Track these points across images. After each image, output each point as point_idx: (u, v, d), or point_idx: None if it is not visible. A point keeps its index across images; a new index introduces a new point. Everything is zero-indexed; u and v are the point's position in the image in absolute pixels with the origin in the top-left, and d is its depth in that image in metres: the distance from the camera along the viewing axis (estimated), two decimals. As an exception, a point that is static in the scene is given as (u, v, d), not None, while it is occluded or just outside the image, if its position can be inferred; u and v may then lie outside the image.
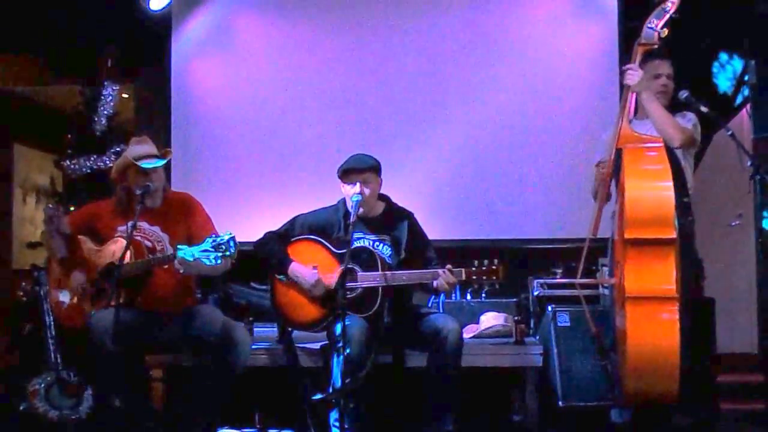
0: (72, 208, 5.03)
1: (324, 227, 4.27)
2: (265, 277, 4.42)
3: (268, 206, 5.67)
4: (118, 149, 5.61)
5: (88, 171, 5.80)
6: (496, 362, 4.51)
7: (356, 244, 4.14)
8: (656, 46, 3.98)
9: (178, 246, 3.78)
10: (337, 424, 3.88)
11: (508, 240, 5.75)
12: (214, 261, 3.72)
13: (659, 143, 3.89)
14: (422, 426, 4.05)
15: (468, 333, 4.76)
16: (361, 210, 4.13)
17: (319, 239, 4.24)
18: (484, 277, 4.04)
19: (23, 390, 4.49)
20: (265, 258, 4.27)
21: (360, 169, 4.17)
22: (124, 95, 6.34)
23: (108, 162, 5.68)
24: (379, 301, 4.07)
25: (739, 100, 6.47)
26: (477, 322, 4.93)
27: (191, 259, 3.73)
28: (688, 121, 4.20)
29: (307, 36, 6.04)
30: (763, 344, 5.41)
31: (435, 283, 4.04)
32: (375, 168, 4.20)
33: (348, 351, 3.77)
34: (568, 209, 5.61)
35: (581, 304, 4.15)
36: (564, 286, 4.90)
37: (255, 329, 4.69)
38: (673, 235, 3.69)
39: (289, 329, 4.35)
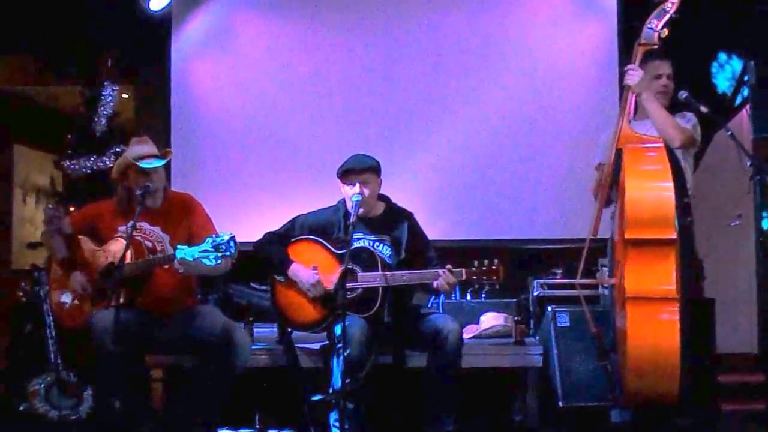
0: (72, 209, 5.02)
1: (324, 227, 4.27)
2: (265, 277, 4.42)
3: (268, 206, 5.67)
4: (118, 149, 5.61)
5: (88, 171, 5.80)
6: (496, 362, 4.51)
7: (356, 245, 4.14)
8: (656, 47, 3.98)
9: (178, 246, 3.78)
10: (337, 424, 3.88)
11: (508, 240, 5.75)
12: (214, 261, 3.72)
13: (659, 143, 3.89)
14: (422, 426, 4.05)
15: (468, 333, 4.76)
16: (361, 210, 4.14)
17: (319, 239, 4.24)
18: (484, 277, 4.04)
19: (23, 390, 4.50)
20: (265, 258, 4.27)
21: (360, 169, 4.17)
22: (124, 95, 6.34)
23: (108, 162, 5.68)
24: (379, 302, 4.07)
25: (738, 100, 6.47)
26: (477, 323, 4.93)
27: (191, 259, 3.73)
28: (688, 121, 4.20)
29: (307, 36, 6.04)
30: (763, 344, 5.41)
31: (435, 283, 4.04)
32: (375, 168, 4.20)
33: (348, 351, 3.77)
34: (568, 209, 5.61)
35: (581, 304, 4.15)
36: (564, 286, 4.90)
37: (255, 330, 4.68)
38: (674, 235, 3.69)
39: (289, 330, 4.35)
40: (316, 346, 4.31)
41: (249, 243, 4.27)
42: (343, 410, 3.79)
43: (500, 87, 5.89)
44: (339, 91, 5.98)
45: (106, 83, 5.93)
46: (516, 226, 5.83)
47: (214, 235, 3.75)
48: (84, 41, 6.02)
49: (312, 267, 4.17)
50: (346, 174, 4.18)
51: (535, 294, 5.03)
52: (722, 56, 6.62)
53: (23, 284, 5.49)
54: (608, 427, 4.33)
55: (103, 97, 5.92)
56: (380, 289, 4.07)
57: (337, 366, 3.89)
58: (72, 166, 5.85)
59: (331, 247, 4.20)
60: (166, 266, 3.95)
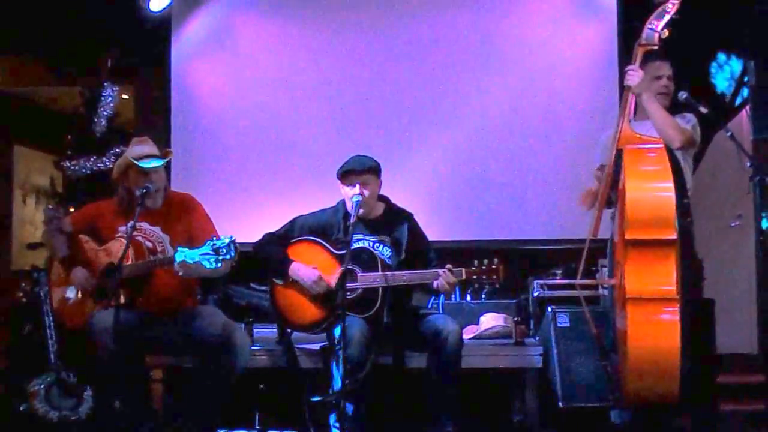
0: (72, 209, 5.02)
1: (324, 228, 4.27)
2: (265, 278, 4.42)
3: (268, 206, 5.68)
4: (118, 150, 5.60)
5: (88, 172, 5.80)
6: (496, 363, 4.51)
7: (356, 245, 4.14)
8: (657, 47, 3.98)
9: (179, 248, 3.78)
10: (337, 425, 3.88)
11: (508, 241, 5.76)
12: (214, 264, 3.72)
13: (659, 144, 3.89)
14: (422, 427, 4.05)
15: (468, 334, 4.77)
16: (361, 211, 4.13)
17: (319, 240, 4.24)
18: (484, 277, 4.03)
19: (23, 391, 4.49)
20: (265, 259, 4.26)
21: (360, 170, 4.16)
22: (124, 96, 6.34)
23: (108, 163, 5.68)
24: (379, 302, 4.07)
25: (738, 101, 6.47)
26: (477, 323, 4.93)
27: (191, 261, 3.73)
28: (688, 122, 4.20)
29: (307, 36, 6.04)
30: (763, 344, 5.41)
31: (435, 283, 4.04)
32: (375, 169, 4.20)
33: (348, 352, 3.77)
34: (568, 210, 5.57)
35: (581, 304, 4.15)
36: (564, 286, 4.90)
37: (255, 330, 4.68)
38: (674, 236, 3.68)
39: (289, 331, 4.35)
40: (316, 346, 4.31)
41: (249, 243, 4.27)
42: (342, 411, 3.80)
43: (500, 87, 5.89)
44: (339, 91, 5.98)
45: (106, 84, 5.93)
46: (516, 226, 5.83)
47: (214, 238, 3.75)
48: (84, 41, 6.02)
49: (312, 267, 4.17)
50: (346, 175, 4.18)
51: (535, 294, 5.02)
52: (721, 56, 6.63)
53: (23, 285, 5.49)
54: (608, 428, 4.32)
55: (103, 98, 5.92)
56: (380, 289, 4.07)
57: (336, 367, 3.89)
58: (72, 167, 5.85)
59: (330, 248, 4.20)
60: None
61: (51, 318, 4.51)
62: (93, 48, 6.08)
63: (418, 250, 4.25)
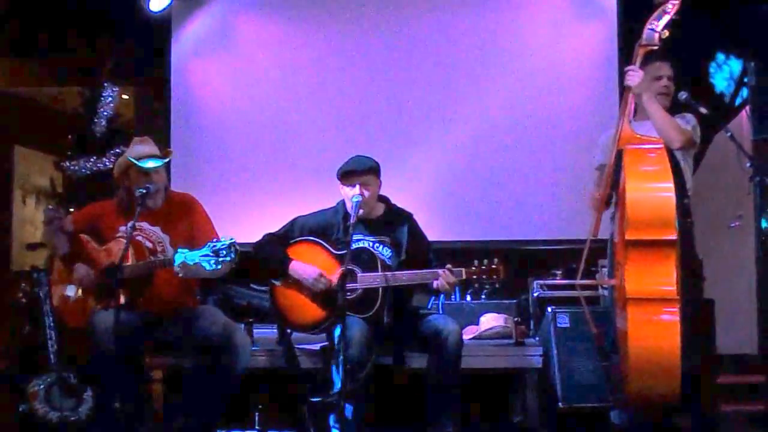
0: (72, 210, 5.02)
1: (324, 229, 4.27)
2: (265, 278, 4.41)
3: (268, 207, 5.68)
4: (118, 151, 5.60)
5: (88, 172, 5.81)
6: (496, 363, 4.51)
7: (356, 246, 4.13)
8: (657, 48, 3.98)
9: (179, 250, 3.78)
10: (337, 425, 3.88)
11: (508, 241, 5.76)
12: (214, 266, 3.72)
13: (660, 144, 3.89)
14: (422, 427, 4.05)
15: (468, 334, 4.77)
16: (361, 212, 4.13)
17: (319, 241, 4.23)
18: (485, 277, 4.03)
19: (23, 391, 4.49)
20: (265, 259, 4.26)
21: (360, 170, 4.16)
22: (124, 96, 6.34)
23: (108, 163, 5.69)
24: (379, 302, 4.06)
25: (738, 101, 6.47)
26: (477, 324, 4.94)
27: (191, 263, 3.73)
28: (688, 122, 4.20)
29: (307, 36, 6.04)
30: (763, 344, 5.41)
31: (435, 283, 4.03)
32: (374, 170, 4.20)
33: (348, 352, 3.77)
34: (568, 210, 5.61)
35: (581, 305, 4.15)
36: (564, 287, 4.90)
37: (255, 331, 4.68)
38: (675, 236, 3.68)
39: (289, 331, 4.35)
40: (316, 346, 4.31)
41: (249, 244, 4.26)
42: (342, 411, 3.79)
43: (500, 87, 5.90)
44: (339, 92, 5.99)
45: (105, 84, 5.94)
46: (516, 226, 5.84)
47: (215, 240, 3.75)
48: (84, 43, 6.02)
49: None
50: (346, 175, 4.18)
51: (535, 295, 5.03)
52: (721, 57, 6.63)
53: (23, 285, 5.49)
54: (608, 428, 4.31)
55: (103, 98, 5.93)
56: (380, 289, 4.06)
57: (336, 367, 3.89)
58: (72, 168, 5.85)
59: (330, 249, 4.20)
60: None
61: (51, 318, 4.51)
62: (93, 49, 6.08)
63: (419, 251, 4.25)
